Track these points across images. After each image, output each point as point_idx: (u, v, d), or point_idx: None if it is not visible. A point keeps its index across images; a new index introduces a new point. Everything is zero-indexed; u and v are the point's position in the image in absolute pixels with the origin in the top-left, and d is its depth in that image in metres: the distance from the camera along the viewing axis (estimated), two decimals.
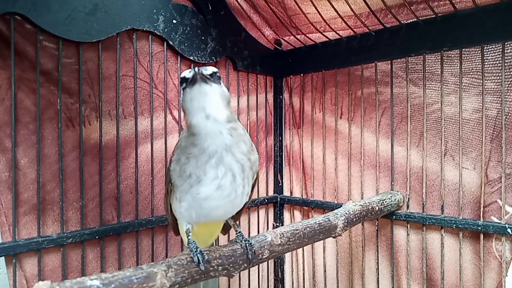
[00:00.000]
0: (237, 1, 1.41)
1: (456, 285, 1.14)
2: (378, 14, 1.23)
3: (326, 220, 0.98)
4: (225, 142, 0.73)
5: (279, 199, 1.62)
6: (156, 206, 1.21)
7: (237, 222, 0.92)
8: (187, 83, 0.71)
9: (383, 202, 1.17)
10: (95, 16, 1.05)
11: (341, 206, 1.10)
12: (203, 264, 0.71)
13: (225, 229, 1.01)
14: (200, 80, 0.69)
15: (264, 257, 0.82)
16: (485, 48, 1.09)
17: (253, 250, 0.79)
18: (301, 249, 1.56)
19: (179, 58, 1.27)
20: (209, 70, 0.72)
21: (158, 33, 1.19)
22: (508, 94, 1.06)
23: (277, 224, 1.63)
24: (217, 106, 0.72)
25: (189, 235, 0.80)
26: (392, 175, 1.28)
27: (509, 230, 1.03)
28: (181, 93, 0.74)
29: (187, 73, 0.71)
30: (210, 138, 0.72)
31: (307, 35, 1.45)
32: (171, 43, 1.23)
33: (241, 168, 0.75)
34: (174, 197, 0.80)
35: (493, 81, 1.09)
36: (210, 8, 1.33)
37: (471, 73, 1.13)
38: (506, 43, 1.05)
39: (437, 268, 1.18)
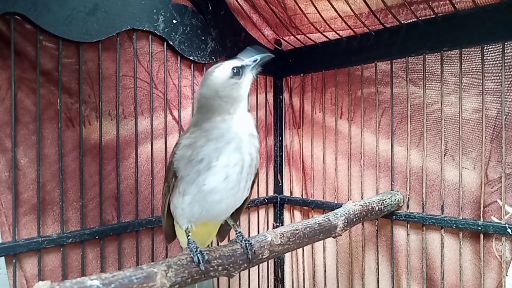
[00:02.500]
0: (237, 1, 1.41)
1: (456, 285, 1.15)
2: (378, 14, 1.23)
3: (326, 220, 0.98)
4: (250, 130, 0.78)
5: (279, 199, 1.62)
6: (156, 206, 1.21)
7: (237, 222, 0.92)
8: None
9: (383, 202, 1.17)
10: (95, 16, 1.05)
11: (341, 206, 1.10)
12: (203, 264, 0.71)
13: (222, 235, 1.00)
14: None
15: (264, 257, 0.82)
16: (485, 48, 1.09)
17: (253, 250, 0.79)
18: (301, 249, 1.56)
19: (179, 58, 1.27)
20: None
21: (158, 33, 1.19)
22: (508, 94, 1.06)
23: (277, 224, 1.63)
24: None
25: (188, 235, 0.80)
26: (392, 175, 1.28)
27: (509, 230, 1.03)
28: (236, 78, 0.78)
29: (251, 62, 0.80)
30: (241, 121, 0.77)
31: (307, 35, 1.45)
32: (171, 43, 1.23)
33: (249, 162, 0.78)
34: (177, 191, 0.79)
35: (493, 81, 1.09)
36: (210, 8, 1.33)
37: (471, 73, 1.13)
38: (506, 43, 1.05)
39: (437, 268, 1.18)
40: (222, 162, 0.74)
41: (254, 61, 0.80)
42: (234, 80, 0.77)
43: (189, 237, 0.79)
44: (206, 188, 0.75)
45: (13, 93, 0.95)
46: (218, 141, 0.75)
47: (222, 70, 0.78)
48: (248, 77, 0.79)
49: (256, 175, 0.84)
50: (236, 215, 0.90)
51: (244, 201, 0.85)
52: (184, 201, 0.79)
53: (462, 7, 1.11)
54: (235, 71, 0.77)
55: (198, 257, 0.71)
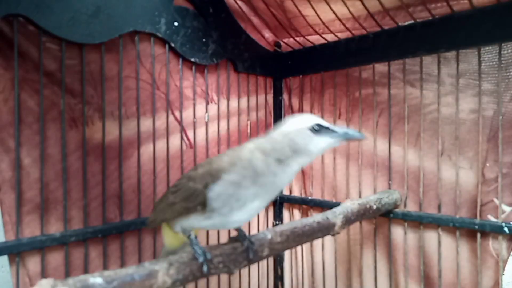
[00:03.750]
0: (238, 4, 1.43)
1: (453, 283, 1.16)
2: (376, 16, 1.24)
3: (325, 218, 0.99)
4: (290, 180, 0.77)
5: (278, 198, 1.63)
6: None
7: None
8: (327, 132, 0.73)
9: (380, 201, 1.19)
10: (98, 18, 1.06)
11: (339, 204, 1.11)
12: (205, 261, 0.72)
13: None
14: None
15: (264, 254, 0.84)
16: (482, 49, 1.10)
17: (253, 248, 0.81)
18: (300, 247, 1.57)
19: (180, 60, 1.29)
20: None
21: (160, 35, 1.21)
22: (504, 95, 1.07)
23: (277, 222, 1.64)
24: None
25: (190, 233, 0.81)
26: (390, 174, 1.30)
27: (505, 229, 1.04)
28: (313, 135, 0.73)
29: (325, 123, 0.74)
30: (288, 174, 0.74)
31: (306, 37, 1.46)
32: (172, 45, 1.24)
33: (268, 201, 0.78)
34: (199, 214, 0.76)
35: (490, 82, 1.10)
36: (211, 10, 1.34)
37: (468, 74, 1.14)
38: (503, 45, 1.06)
39: (434, 266, 1.20)
40: (255, 205, 0.75)
41: (344, 133, 0.74)
42: (310, 133, 0.72)
43: (190, 236, 0.80)
44: (231, 219, 0.75)
45: (17, 94, 0.96)
46: (261, 187, 0.74)
47: (303, 120, 0.74)
48: (325, 140, 0.73)
49: None
50: None
51: None
52: (204, 222, 0.77)
53: (459, 8, 1.11)
54: (315, 128, 0.72)
55: (200, 254, 0.72)
